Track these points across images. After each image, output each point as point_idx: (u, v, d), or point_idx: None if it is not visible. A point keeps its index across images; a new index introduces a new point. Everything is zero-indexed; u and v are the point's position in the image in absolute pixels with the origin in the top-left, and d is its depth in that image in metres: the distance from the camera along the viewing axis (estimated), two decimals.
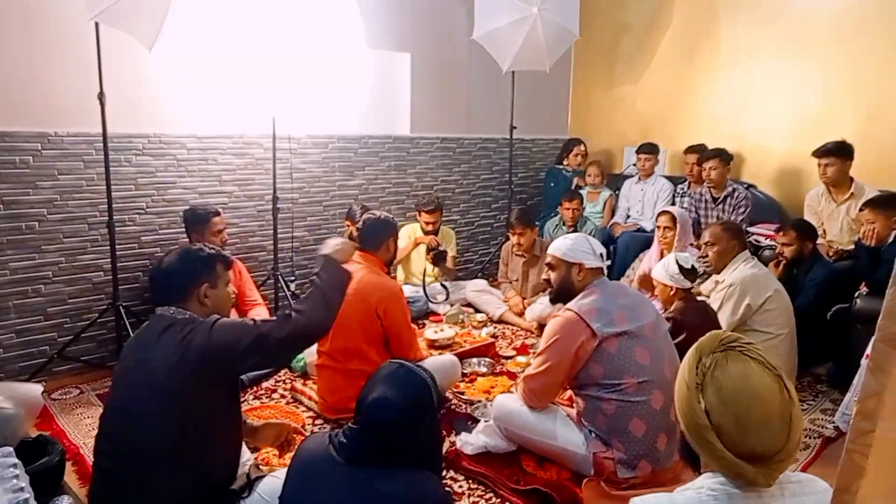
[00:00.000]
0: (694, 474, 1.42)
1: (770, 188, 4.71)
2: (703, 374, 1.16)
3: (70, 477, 2.40)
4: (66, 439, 2.71)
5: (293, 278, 4.23)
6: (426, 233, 4.44)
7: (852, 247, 3.71)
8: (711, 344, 1.20)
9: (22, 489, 1.32)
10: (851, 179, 3.91)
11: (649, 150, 5.01)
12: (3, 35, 3.09)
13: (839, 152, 3.85)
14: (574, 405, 2.52)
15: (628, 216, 5.13)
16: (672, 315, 2.76)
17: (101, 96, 3.16)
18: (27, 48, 3.17)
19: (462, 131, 5.26)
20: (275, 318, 1.88)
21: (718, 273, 3.24)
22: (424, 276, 4.36)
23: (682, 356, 2.35)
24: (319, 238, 4.41)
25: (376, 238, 2.95)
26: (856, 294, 3.29)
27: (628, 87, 5.65)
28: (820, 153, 3.91)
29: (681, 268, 2.81)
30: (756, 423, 1.10)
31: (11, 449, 1.47)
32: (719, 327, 2.84)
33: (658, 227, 3.87)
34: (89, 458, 2.53)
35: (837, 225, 3.97)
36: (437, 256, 4.19)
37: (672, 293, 2.86)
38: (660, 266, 2.91)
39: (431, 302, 4.33)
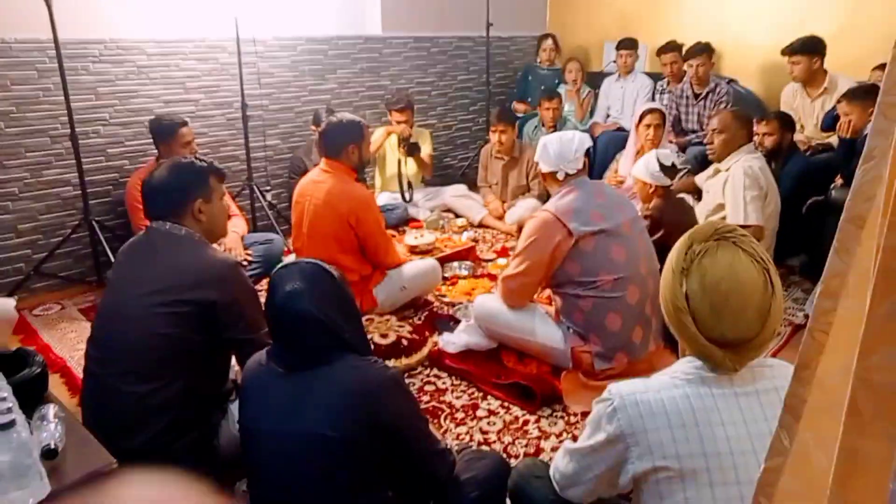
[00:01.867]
0: (672, 358, 1.47)
1: (751, 83, 4.62)
2: (692, 260, 1.17)
3: (59, 389, 2.45)
4: (51, 353, 2.74)
5: (269, 188, 4.16)
6: None
7: (828, 140, 3.71)
8: (706, 232, 1.19)
9: (4, 398, 1.33)
10: (825, 73, 3.85)
11: (629, 45, 4.85)
12: None
13: (804, 49, 3.79)
14: (552, 303, 2.57)
15: (608, 115, 5.05)
16: (650, 213, 2.78)
17: None
18: None
19: (437, 29, 5.03)
20: None
21: (720, 161, 3.20)
22: (401, 178, 4.30)
23: (659, 252, 2.41)
24: (293, 146, 4.31)
25: (338, 143, 2.84)
26: (831, 186, 3.31)
27: None
28: (787, 51, 3.85)
29: (661, 165, 2.80)
30: (731, 311, 1.12)
31: None
32: (696, 223, 2.86)
33: (646, 126, 3.77)
34: (76, 370, 2.57)
35: (812, 120, 3.94)
36: (410, 147, 4.13)
37: (651, 191, 2.85)
38: (640, 163, 2.88)
39: (409, 204, 4.31)
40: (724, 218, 3.03)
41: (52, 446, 1.37)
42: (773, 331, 1.16)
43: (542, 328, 2.45)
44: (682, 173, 3.57)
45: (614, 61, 4.99)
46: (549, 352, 2.44)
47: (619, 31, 5.18)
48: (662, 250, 2.20)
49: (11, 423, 1.25)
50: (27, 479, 1.28)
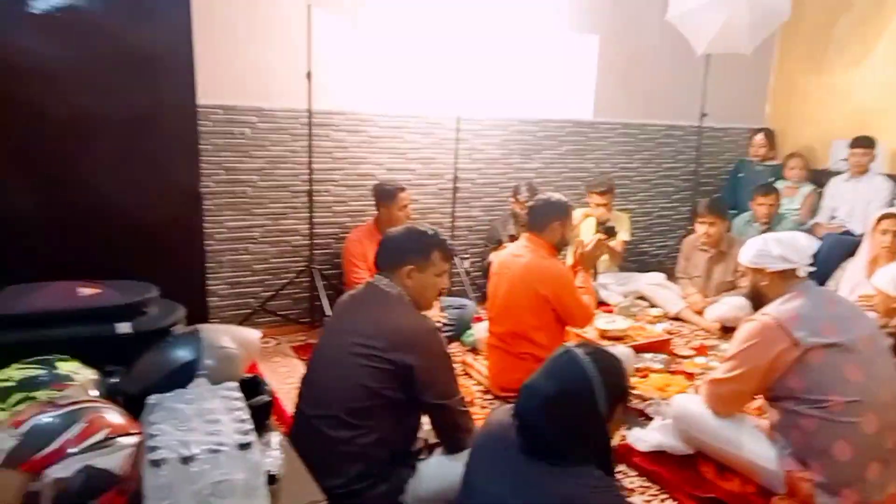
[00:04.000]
0: None
1: None
2: None
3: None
4: None
5: (467, 256, 4.32)
6: None
7: None
8: None
9: (245, 420, 1.47)
10: None
11: (865, 143, 4.43)
12: (229, 22, 3.43)
13: None
14: (766, 416, 2.32)
15: (833, 217, 4.59)
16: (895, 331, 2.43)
17: (309, 75, 3.44)
18: (249, 33, 3.50)
19: (646, 117, 5.01)
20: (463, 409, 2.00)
21: None
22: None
23: None
24: (494, 217, 4.46)
25: (544, 219, 2.90)
26: None
27: (842, 73, 5.02)
28: None
29: None
30: None
31: (237, 384, 1.65)
32: None
33: (881, 232, 3.38)
34: (284, 403, 2.79)
35: None
36: (607, 230, 4.06)
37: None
38: (886, 274, 2.56)
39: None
40: None
41: (274, 472, 1.49)
42: None
43: (752, 443, 2.20)
44: None
45: (844, 159, 4.57)
46: (757, 470, 2.18)
47: (851, 128, 4.75)
48: None
49: (249, 444, 1.38)
50: (254, 499, 1.39)
